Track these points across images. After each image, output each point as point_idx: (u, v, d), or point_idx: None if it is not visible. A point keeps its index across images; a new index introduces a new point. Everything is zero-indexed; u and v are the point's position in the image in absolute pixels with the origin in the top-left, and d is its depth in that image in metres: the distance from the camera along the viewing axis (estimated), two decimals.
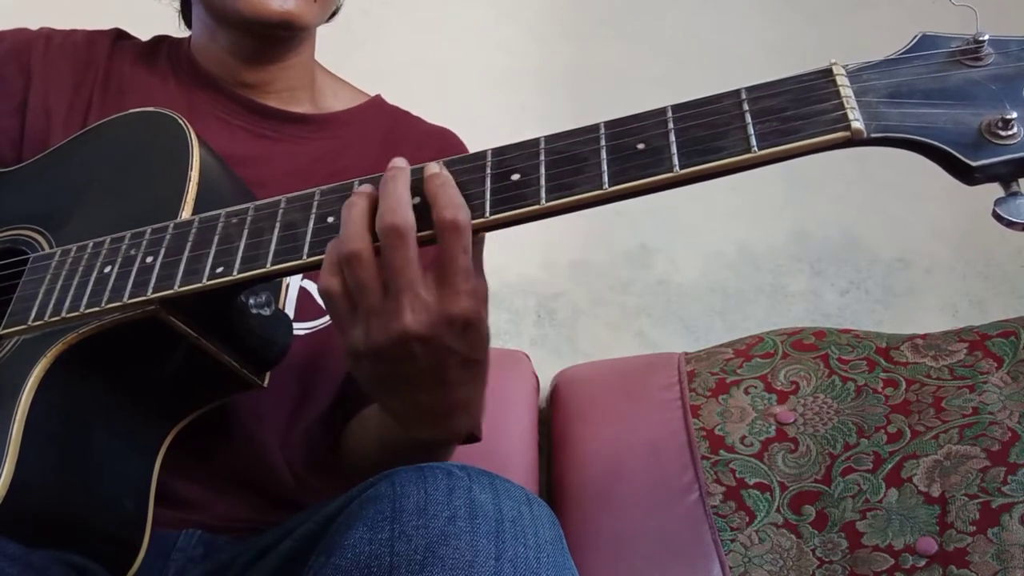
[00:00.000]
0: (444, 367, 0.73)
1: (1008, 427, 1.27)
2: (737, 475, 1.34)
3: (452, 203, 0.69)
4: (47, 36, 1.16)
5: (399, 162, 0.73)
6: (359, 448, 1.05)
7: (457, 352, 0.72)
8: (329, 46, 1.25)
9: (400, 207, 0.69)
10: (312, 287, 1.06)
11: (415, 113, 1.26)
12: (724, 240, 1.80)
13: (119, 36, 1.19)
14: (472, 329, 0.71)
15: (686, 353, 1.54)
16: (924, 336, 1.43)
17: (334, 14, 1.21)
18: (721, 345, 1.54)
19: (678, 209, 1.79)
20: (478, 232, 0.71)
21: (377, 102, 1.24)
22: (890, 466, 1.29)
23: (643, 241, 1.81)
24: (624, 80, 1.77)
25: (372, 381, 0.76)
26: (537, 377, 1.61)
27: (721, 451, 1.37)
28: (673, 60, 1.82)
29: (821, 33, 1.85)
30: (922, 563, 1.21)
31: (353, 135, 1.16)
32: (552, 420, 1.54)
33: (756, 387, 1.42)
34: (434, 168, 0.72)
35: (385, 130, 1.19)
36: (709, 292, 1.78)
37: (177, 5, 1.23)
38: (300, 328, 1.03)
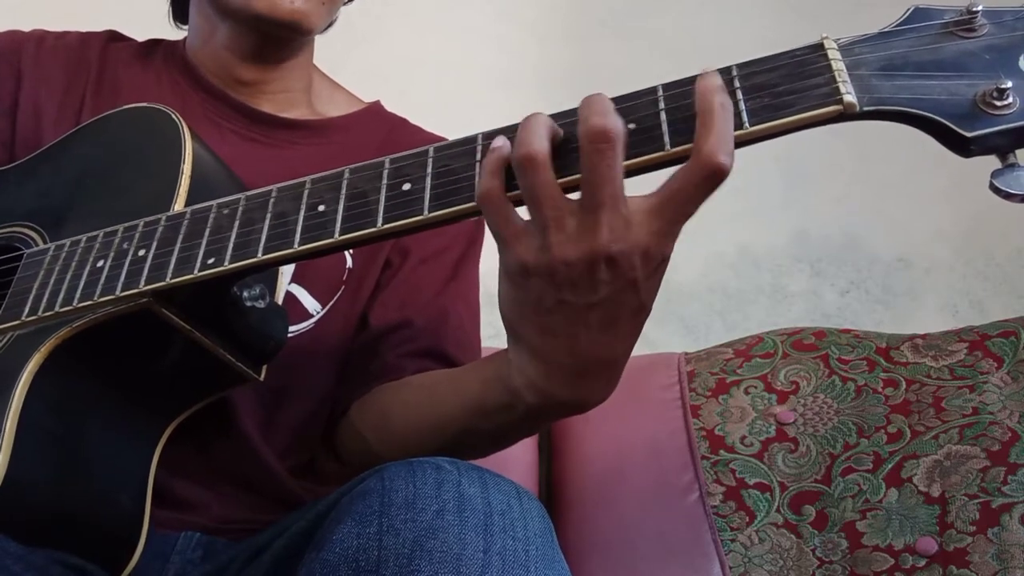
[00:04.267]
0: (619, 306, 0.68)
1: (1008, 427, 1.26)
2: (737, 475, 1.33)
3: (728, 143, 0.63)
4: (39, 38, 1.16)
5: None
6: (410, 421, 0.97)
7: (638, 291, 0.67)
8: (329, 45, 1.25)
9: (610, 111, 0.64)
10: (298, 290, 1.06)
11: (415, 112, 1.25)
12: (724, 240, 1.80)
13: (112, 37, 1.19)
14: (661, 270, 0.68)
15: (686, 353, 1.54)
16: (924, 336, 1.43)
17: (329, 25, 1.21)
18: (721, 345, 1.54)
19: None
20: (471, 216, 0.70)
21: (375, 109, 1.23)
22: (890, 466, 1.29)
23: None
24: (624, 80, 1.76)
25: (531, 307, 0.70)
26: None
27: (721, 451, 1.36)
28: (673, 60, 1.81)
29: (821, 33, 1.85)
30: (922, 563, 1.21)
31: (348, 142, 1.16)
32: None
33: (756, 387, 1.42)
34: (716, 81, 0.66)
35: (382, 137, 1.19)
36: (709, 292, 1.78)
37: None
38: None
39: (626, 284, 0.67)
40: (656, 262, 0.67)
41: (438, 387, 0.96)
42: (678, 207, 0.65)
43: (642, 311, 0.70)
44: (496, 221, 0.68)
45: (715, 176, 0.63)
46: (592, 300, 0.68)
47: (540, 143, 0.65)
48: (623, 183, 0.65)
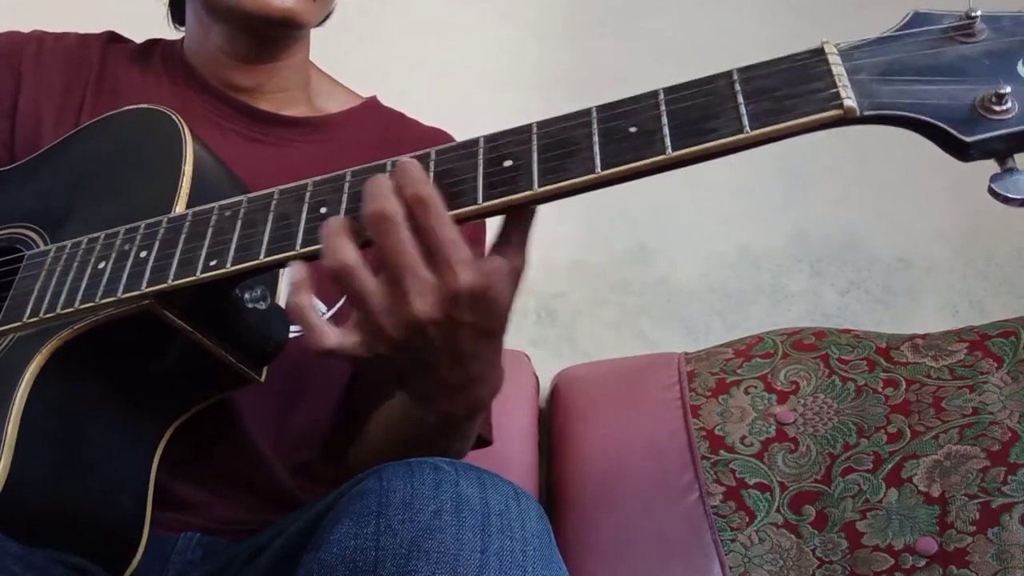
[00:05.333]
0: (458, 343, 0.71)
1: (1008, 427, 1.27)
2: (737, 475, 1.34)
3: (417, 179, 0.68)
4: (39, 39, 1.16)
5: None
6: (373, 442, 1.05)
7: (470, 326, 0.70)
8: (328, 45, 1.25)
9: (381, 193, 0.68)
10: None
11: (415, 113, 1.26)
12: (724, 240, 1.80)
13: (111, 39, 1.19)
14: (480, 301, 0.69)
15: (686, 353, 1.54)
16: (924, 336, 1.43)
17: (327, 17, 1.21)
18: (721, 345, 1.54)
19: (678, 209, 1.79)
20: (471, 219, 0.71)
21: (372, 104, 1.24)
22: (890, 466, 1.29)
23: (643, 241, 1.80)
24: (624, 80, 1.76)
25: (394, 373, 0.77)
26: (537, 377, 1.61)
27: (721, 451, 1.36)
28: (673, 60, 1.82)
29: (822, 34, 1.84)
30: (922, 563, 1.21)
31: (347, 138, 1.16)
32: (552, 420, 1.54)
33: (756, 387, 1.42)
34: (403, 159, 0.72)
35: (380, 133, 1.19)
36: (709, 292, 1.78)
37: (166, 1, 1.23)
38: (290, 331, 1.03)
39: (454, 326, 0.70)
40: (468, 296, 0.69)
41: (383, 413, 1.03)
42: (434, 241, 0.68)
43: (492, 334, 0.74)
44: (312, 328, 0.71)
45: (421, 204, 0.68)
46: (432, 351, 0.71)
47: (348, 252, 0.69)
48: (413, 250, 0.68)
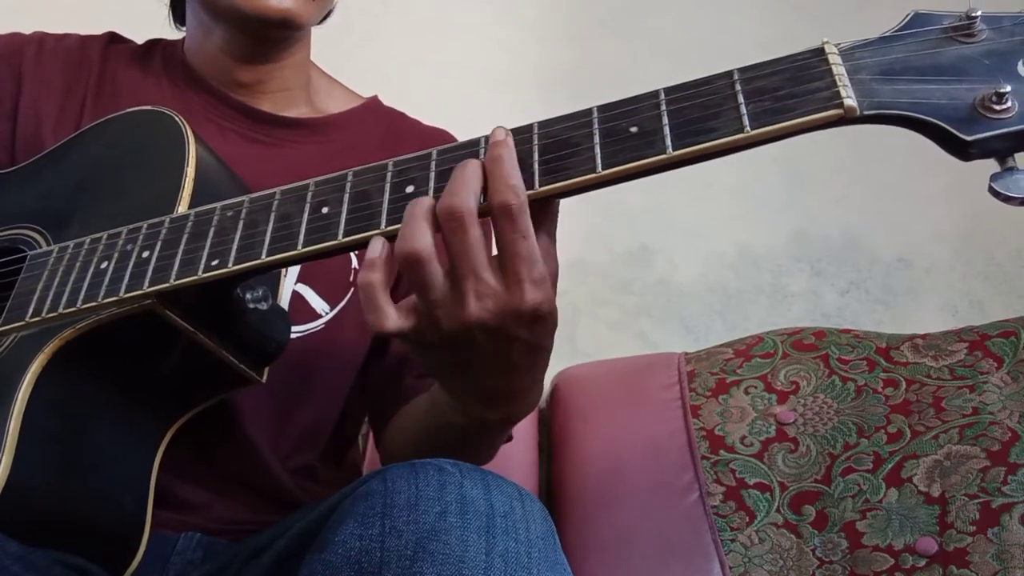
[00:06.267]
0: (507, 353, 0.71)
1: (1008, 427, 1.27)
2: (737, 475, 1.34)
3: (504, 183, 0.67)
4: (39, 40, 1.16)
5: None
6: (400, 439, 1.05)
7: (523, 340, 0.70)
8: (328, 45, 1.25)
9: (460, 189, 0.67)
10: (305, 290, 1.06)
11: (415, 113, 1.26)
12: (724, 240, 1.80)
13: (112, 39, 1.19)
14: (540, 320, 0.69)
15: (686, 353, 1.54)
16: (924, 336, 1.43)
17: (327, 16, 1.21)
18: (721, 345, 1.54)
19: (678, 209, 1.79)
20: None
21: (373, 104, 1.24)
22: (890, 466, 1.29)
23: (643, 241, 1.81)
24: (624, 80, 1.77)
25: (434, 366, 0.77)
26: None
27: (721, 451, 1.36)
28: (673, 60, 1.82)
29: (822, 34, 1.84)
30: (922, 563, 1.21)
31: (349, 138, 1.16)
32: (552, 420, 1.54)
33: (756, 387, 1.42)
34: (499, 135, 0.70)
35: (382, 132, 1.19)
36: (709, 292, 1.78)
37: (167, 1, 1.23)
38: (293, 331, 1.03)
39: (504, 339, 0.70)
40: (530, 315, 0.69)
41: (408, 416, 1.03)
42: (510, 255, 0.67)
43: (534, 348, 0.73)
44: (375, 309, 0.70)
45: (507, 215, 0.66)
46: (478, 356, 0.71)
47: (423, 240, 0.67)
48: (483, 253, 0.67)
